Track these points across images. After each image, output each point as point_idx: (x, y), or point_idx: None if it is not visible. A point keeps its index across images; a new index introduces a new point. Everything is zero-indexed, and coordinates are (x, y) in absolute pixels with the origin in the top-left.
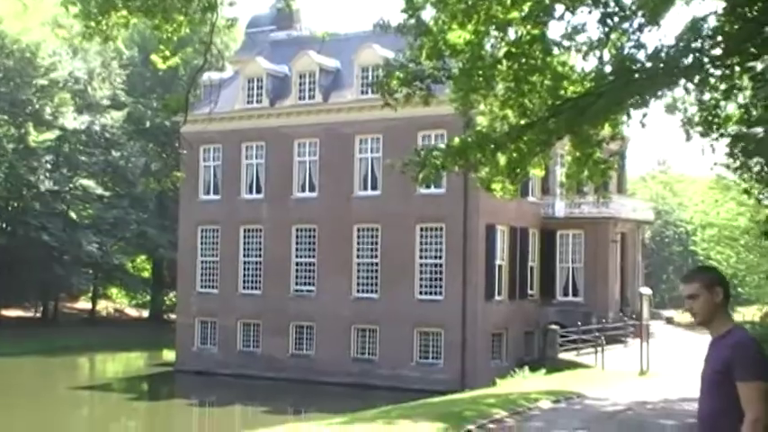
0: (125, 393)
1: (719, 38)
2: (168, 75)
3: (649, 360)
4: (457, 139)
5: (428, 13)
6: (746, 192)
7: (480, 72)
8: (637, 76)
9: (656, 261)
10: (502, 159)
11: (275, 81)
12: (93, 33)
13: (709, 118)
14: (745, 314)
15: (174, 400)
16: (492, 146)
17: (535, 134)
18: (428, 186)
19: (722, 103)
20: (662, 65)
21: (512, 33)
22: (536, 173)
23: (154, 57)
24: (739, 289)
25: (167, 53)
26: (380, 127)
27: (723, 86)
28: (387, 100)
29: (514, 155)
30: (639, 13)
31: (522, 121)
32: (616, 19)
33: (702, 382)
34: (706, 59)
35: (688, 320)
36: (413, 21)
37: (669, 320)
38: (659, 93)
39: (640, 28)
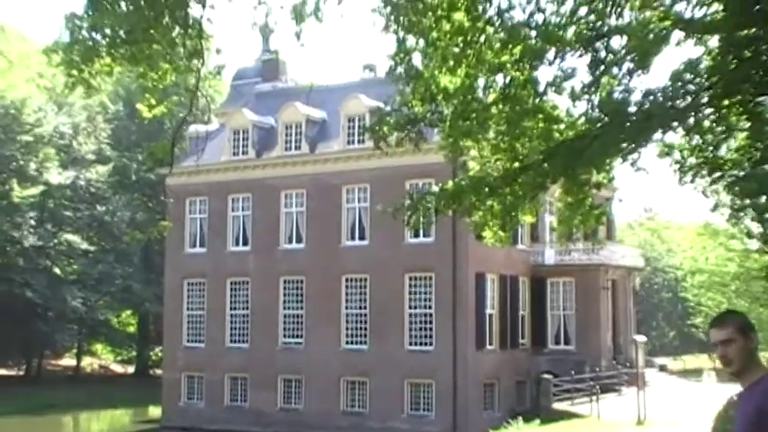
0: None
1: (715, 78)
2: (154, 127)
3: (646, 409)
4: (450, 183)
5: (417, 58)
6: (734, 237)
7: (473, 115)
8: (631, 118)
9: (645, 308)
10: (496, 203)
11: (261, 132)
12: (76, 83)
13: (704, 161)
14: None
15: None
16: (486, 189)
17: (530, 177)
18: (417, 235)
19: (719, 145)
20: (655, 107)
21: (503, 77)
22: (527, 219)
23: (139, 106)
24: None
25: (153, 101)
26: (368, 177)
27: (720, 128)
28: (377, 145)
29: (509, 198)
30: (629, 58)
31: (516, 165)
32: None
33: None
34: (702, 100)
35: (681, 368)
36: (402, 67)
37: (662, 368)
38: (653, 136)
39: (630, 73)
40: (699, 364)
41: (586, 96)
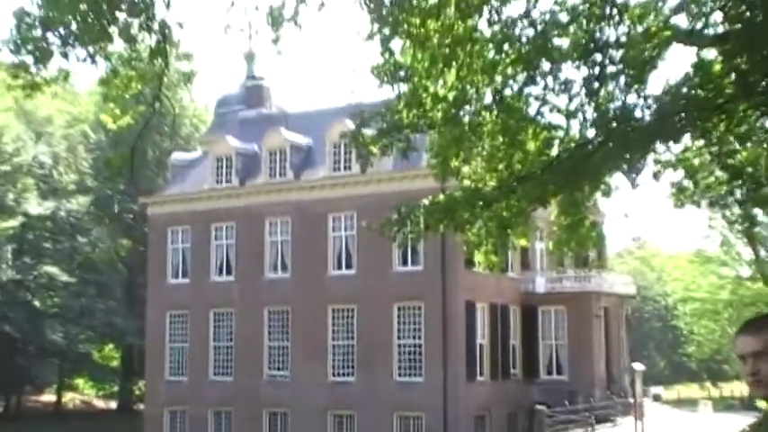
0: None
1: (728, 79)
2: (136, 157)
3: None
4: (442, 196)
5: (404, 60)
6: (725, 264)
7: (465, 119)
8: (636, 127)
9: (635, 337)
10: (490, 221)
11: (245, 159)
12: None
13: (716, 170)
14: (731, 390)
15: None
16: (481, 203)
17: (528, 190)
18: (405, 263)
19: (734, 154)
20: (665, 111)
21: (497, 85)
22: (520, 242)
23: (104, 117)
24: (725, 366)
25: (117, 112)
26: (354, 204)
27: (734, 134)
28: (361, 152)
29: (505, 213)
30: (626, 72)
31: (513, 176)
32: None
33: None
34: (715, 103)
35: (675, 397)
36: (388, 70)
37: (656, 397)
38: (657, 146)
39: (628, 85)
40: (690, 394)
41: (583, 109)
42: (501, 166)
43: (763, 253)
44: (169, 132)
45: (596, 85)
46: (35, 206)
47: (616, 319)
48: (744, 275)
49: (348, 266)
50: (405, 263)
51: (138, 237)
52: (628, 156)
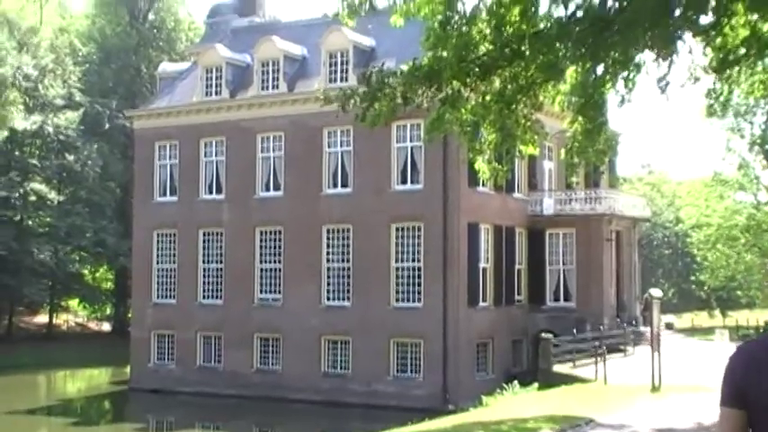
0: (69, 417)
1: None
2: (129, 74)
3: (661, 374)
4: (426, 58)
5: None
6: (743, 188)
7: None
8: None
9: (644, 264)
10: (491, 93)
11: (236, 71)
12: None
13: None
14: (739, 319)
15: (125, 424)
16: (477, 69)
17: (537, 52)
18: (404, 181)
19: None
20: None
21: None
22: (529, 151)
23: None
24: (738, 292)
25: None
26: (351, 118)
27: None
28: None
29: (508, 87)
30: None
31: (524, 27)
32: None
33: None
34: None
35: (688, 326)
36: None
37: (669, 326)
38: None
39: None
40: (701, 323)
41: None
42: (505, 21)
43: None
44: (164, 47)
45: None
46: (21, 120)
47: (628, 244)
48: (762, 200)
49: (344, 185)
50: (404, 181)
51: (131, 155)
52: (648, 25)
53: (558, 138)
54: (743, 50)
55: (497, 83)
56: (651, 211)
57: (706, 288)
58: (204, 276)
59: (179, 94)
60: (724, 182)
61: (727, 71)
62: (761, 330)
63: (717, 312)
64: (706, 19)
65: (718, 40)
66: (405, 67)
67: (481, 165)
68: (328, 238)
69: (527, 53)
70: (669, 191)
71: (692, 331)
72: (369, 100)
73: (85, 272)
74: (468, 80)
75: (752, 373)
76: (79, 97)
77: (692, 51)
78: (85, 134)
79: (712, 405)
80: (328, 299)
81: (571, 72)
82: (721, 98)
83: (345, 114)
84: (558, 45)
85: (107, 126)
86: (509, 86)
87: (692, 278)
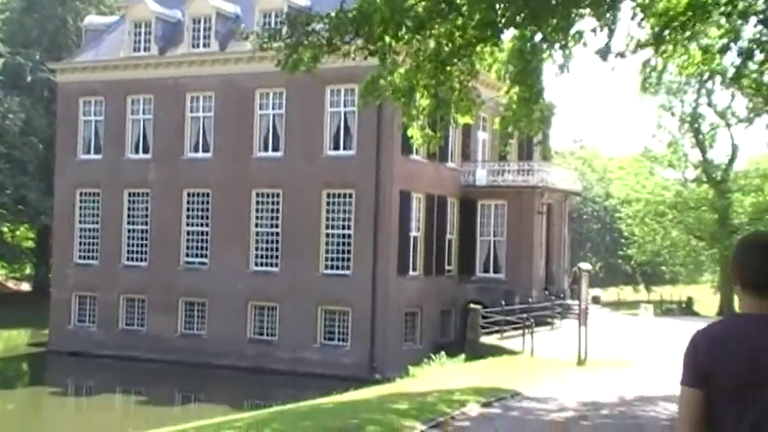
0: None
1: None
2: (54, 24)
3: (587, 347)
4: (356, 4)
5: None
6: (671, 165)
7: None
8: None
9: (573, 238)
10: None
11: (166, 27)
12: None
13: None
14: (663, 294)
15: (42, 387)
16: (409, 23)
17: (475, 7)
18: (337, 147)
19: None
20: None
21: None
22: (464, 119)
23: None
24: (663, 268)
25: None
26: (284, 80)
27: None
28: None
29: (445, 45)
30: None
31: None
32: None
33: None
34: None
35: (614, 299)
36: None
37: (595, 300)
38: None
39: None
40: (626, 297)
41: None
42: None
43: (709, 154)
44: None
45: None
46: None
47: (559, 217)
48: (689, 178)
49: (275, 148)
50: (336, 147)
51: (54, 110)
52: None
53: (493, 108)
54: (684, 18)
55: (432, 42)
56: (582, 185)
57: (632, 263)
58: (129, 238)
59: (106, 48)
60: (654, 158)
61: (663, 46)
62: (683, 306)
63: (641, 287)
64: None
65: (661, 4)
66: (332, 13)
67: (414, 131)
68: (258, 203)
69: (464, 8)
70: (600, 166)
71: (618, 305)
72: (293, 45)
73: (5, 229)
74: (400, 33)
75: (717, 354)
76: None
77: (634, 18)
78: (5, 87)
79: (635, 379)
80: (256, 264)
81: (509, 39)
82: (655, 72)
83: (278, 75)
84: (497, 4)
85: (29, 79)
86: (445, 47)
87: (620, 253)
